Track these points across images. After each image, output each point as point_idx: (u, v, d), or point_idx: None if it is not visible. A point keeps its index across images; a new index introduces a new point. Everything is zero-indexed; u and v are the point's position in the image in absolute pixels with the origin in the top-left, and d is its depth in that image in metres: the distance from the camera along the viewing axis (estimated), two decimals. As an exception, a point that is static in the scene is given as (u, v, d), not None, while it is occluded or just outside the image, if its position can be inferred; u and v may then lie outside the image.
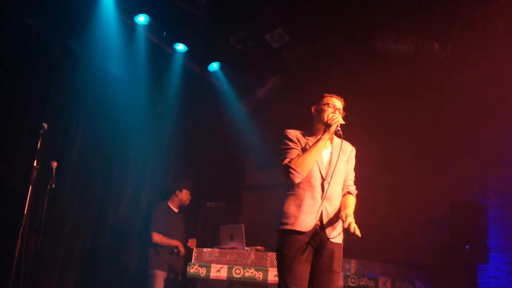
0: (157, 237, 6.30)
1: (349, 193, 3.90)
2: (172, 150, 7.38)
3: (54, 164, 4.86)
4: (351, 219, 3.58)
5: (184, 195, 6.62)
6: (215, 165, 7.95)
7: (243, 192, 8.33)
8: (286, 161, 3.74)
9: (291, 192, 3.77)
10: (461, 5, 6.07)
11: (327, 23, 6.79)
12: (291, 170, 3.67)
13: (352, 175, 4.01)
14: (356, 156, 4.02)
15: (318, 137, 3.80)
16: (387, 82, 7.09)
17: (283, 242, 3.66)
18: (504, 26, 6.02)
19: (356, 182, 3.97)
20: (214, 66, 7.62)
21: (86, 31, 6.01)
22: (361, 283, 5.21)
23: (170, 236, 6.40)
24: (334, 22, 6.75)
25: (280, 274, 3.63)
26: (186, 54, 7.21)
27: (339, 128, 3.75)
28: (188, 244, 6.46)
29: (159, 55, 7.01)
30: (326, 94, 3.99)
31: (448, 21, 6.30)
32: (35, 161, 4.71)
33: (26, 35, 5.45)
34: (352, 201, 3.85)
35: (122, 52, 6.52)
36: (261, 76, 7.74)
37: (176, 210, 6.62)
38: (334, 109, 3.88)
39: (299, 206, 3.69)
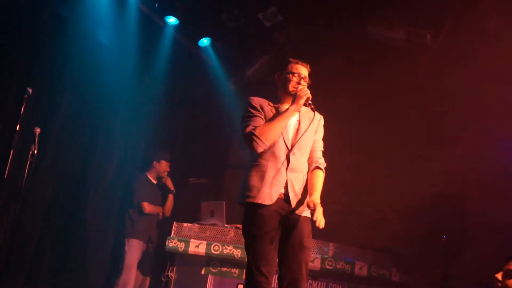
0: (148, 207, 6.35)
1: (318, 167, 3.68)
2: (157, 123, 7.33)
3: (37, 130, 4.78)
4: (319, 214, 3.39)
5: (161, 166, 6.62)
6: (200, 141, 7.92)
7: (226, 169, 8.33)
8: (249, 128, 3.53)
9: (254, 163, 3.57)
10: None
11: (320, 4, 6.76)
12: (255, 138, 3.47)
13: (320, 145, 3.81)
14: (325, 126, 3.84)
15: (285, 107, 3.63)
16: (376, 69, 7.10)
17: (249, 219, 3.49)
18: (496, 19, 6.03)
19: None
20: (205, 41, 7.55)
21: (76, -3, 5.92)
22: (338, 266, 5.27)
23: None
24: (328, 4, 6.72)
25: (249, 253, 3.46)
26: (177, 27, 7.13)
27: (310, 102, 3.58)
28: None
29: (150, 26, 6.93)
30: (291, 60, 3.74)
31: (441, 13, 6.31)
32: (18, 126, 4.65)
33: (13, -2, 5.34)
34: (320, 180, 3.63)
35: (112, 21, 6.42)
36: (251, 55, 7.70)
37: (155, 182, 6.64)
38: (299, 78, 3.66)
39: (262, 177, 3.49)
